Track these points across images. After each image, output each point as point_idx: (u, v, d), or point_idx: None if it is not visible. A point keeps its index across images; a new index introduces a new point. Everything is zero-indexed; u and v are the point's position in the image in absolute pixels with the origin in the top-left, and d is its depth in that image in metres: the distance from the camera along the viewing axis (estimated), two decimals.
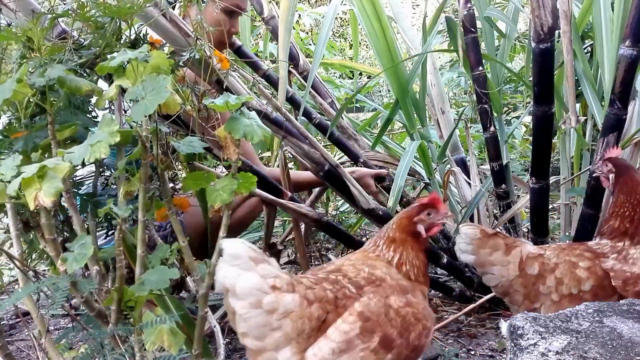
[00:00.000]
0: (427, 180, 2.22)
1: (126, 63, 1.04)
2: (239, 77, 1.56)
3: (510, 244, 1.53)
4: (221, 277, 1.02)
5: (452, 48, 2.17)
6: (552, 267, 1.49)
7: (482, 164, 2.49)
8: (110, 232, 1.36)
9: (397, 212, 2.28)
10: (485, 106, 2.01)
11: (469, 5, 1.97)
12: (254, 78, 1.59)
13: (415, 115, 2.15)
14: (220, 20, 1.87)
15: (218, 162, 1.43)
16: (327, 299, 1.09)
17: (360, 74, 4.01)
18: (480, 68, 2.00)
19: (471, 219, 2.07)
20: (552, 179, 2.04)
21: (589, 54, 2.47)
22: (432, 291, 2.24)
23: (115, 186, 1.17)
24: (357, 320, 1.07)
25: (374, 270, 1.18)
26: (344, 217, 2.94)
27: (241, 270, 1.02)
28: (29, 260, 1.25)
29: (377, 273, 1.17)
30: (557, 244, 1.63)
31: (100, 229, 1.29)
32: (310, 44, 4.05)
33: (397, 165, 2.12)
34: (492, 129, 2.02)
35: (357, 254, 1.26)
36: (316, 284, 1.10)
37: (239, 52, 2.11)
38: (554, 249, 1.55)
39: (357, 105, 3.21)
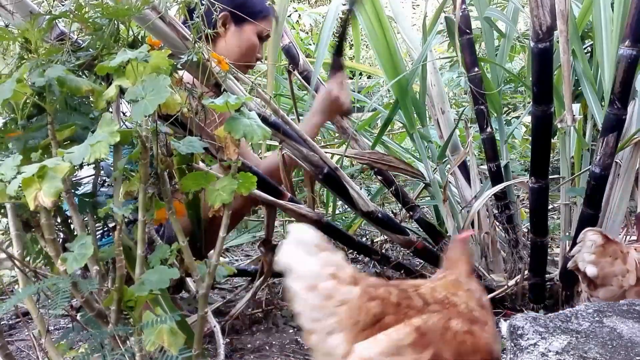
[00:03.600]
0: (427, 181, 2.22)
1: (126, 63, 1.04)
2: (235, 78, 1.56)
3: (625, 251, 1.40)
4: (283, 257, 1.04)
5: (451, 49, 2.17)
6: None
7: (482, 164, 2.49)
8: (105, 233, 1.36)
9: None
10: (482, 107, 2.01)
11: (463, 6, 1.97)
12: (251, 82, 1.59)
13: (415, 115, 2.15)
14: (253, 44, 1.92)
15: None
16: (389, 301, 1.08)
17: (361, 74, 4.01)
18: (476, 69, 2.00)
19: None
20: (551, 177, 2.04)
21: (589, 54, 2.46)
22: None
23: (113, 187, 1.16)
24: (412, 332, 1.05)
25: (452, 297, 1.15)
26: (344, 217, 2.94)
27: (303, 254, 1.04)
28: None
29: (454, 299, 1.15)
30: (634, 244, 1.54)
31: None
32: (310, 44, 4.05)
33: (399, 168, 2.12)
34: (488, 130, 2.02)
35: (447, 282, 1.22)
36: (382, 286, 1.10)
37: None
38: None
39: (357, 105, 3.21)
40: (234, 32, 1.90)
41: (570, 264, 1.47)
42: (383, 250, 2.25)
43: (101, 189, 1.28)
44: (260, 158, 2.60)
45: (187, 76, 1.32)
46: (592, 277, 1.40)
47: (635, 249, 1.46)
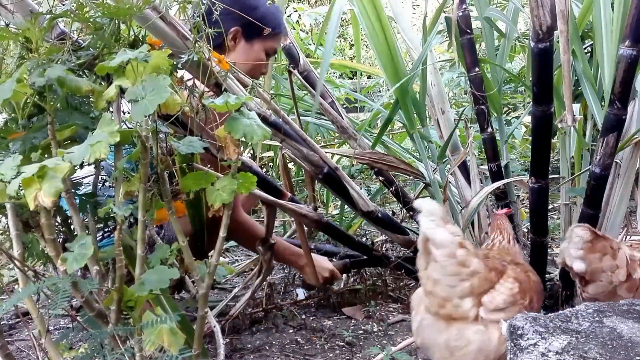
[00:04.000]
0: (427, 181, 2.22)
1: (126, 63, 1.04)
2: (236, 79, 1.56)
3: (615, 247, 1.39)
4: (424, 228, 1.20)
5: (451, 49, 2.16)
6: None
7: (482, 164, 2.49)
8: (106, 234, 1.36)
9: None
10: (483, 107, 2.00)
11: (463, 6, 1.97)
12: (252, 81, 1.59)
13: (415, 115, 2.15)
14: (261, 60, 1.94)
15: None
16: (499, 270, 1.31)
17: (361, 74, 4.01)
18: (477, 69, 2.00)
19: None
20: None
21: (589, 54, 2.46)
22: None
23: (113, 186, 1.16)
24: (515, 281, 1.30)
25: (515, 258, 1.44)
26: (344, 217, 2.94)
27: (435, 225, 1.19)
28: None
29: (519, 259, 1.46)
30: (631, 241, 1.55)
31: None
32: (310, 44, 4.05)
33: (399, 168, 2.12)
34: (489, 130, 2.02)
35: (502, 250, 1.50)
36: (488, 257, 1.34)
37: None
38: (635, 247, 1.44)
39: (357, 105, 3.21)
40: (243, 47, 1.91)
41: (558, 259, 1.48)
42: (383, 250, 2.25)
43: (101, 189, 1.28)
44: (259, 159, 2.60)
45: (187, 76, 1.31)
46: (580, 272, 1.40)
47: (631, 246, 1.46)
